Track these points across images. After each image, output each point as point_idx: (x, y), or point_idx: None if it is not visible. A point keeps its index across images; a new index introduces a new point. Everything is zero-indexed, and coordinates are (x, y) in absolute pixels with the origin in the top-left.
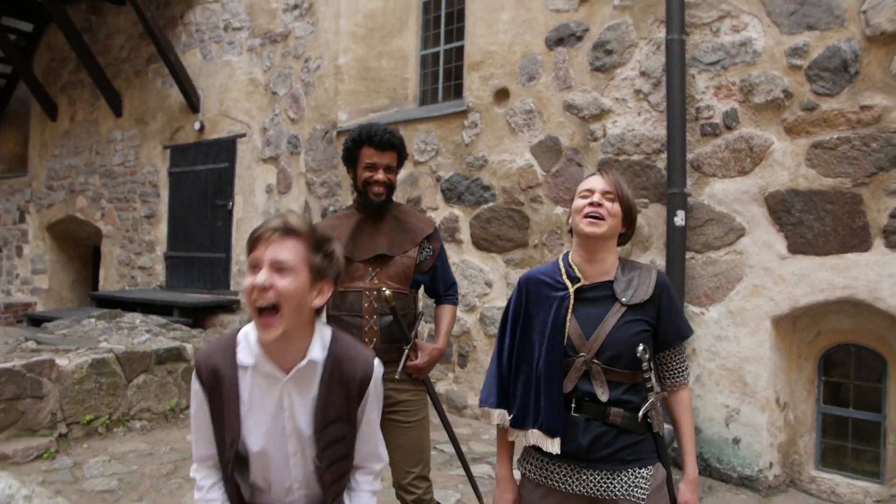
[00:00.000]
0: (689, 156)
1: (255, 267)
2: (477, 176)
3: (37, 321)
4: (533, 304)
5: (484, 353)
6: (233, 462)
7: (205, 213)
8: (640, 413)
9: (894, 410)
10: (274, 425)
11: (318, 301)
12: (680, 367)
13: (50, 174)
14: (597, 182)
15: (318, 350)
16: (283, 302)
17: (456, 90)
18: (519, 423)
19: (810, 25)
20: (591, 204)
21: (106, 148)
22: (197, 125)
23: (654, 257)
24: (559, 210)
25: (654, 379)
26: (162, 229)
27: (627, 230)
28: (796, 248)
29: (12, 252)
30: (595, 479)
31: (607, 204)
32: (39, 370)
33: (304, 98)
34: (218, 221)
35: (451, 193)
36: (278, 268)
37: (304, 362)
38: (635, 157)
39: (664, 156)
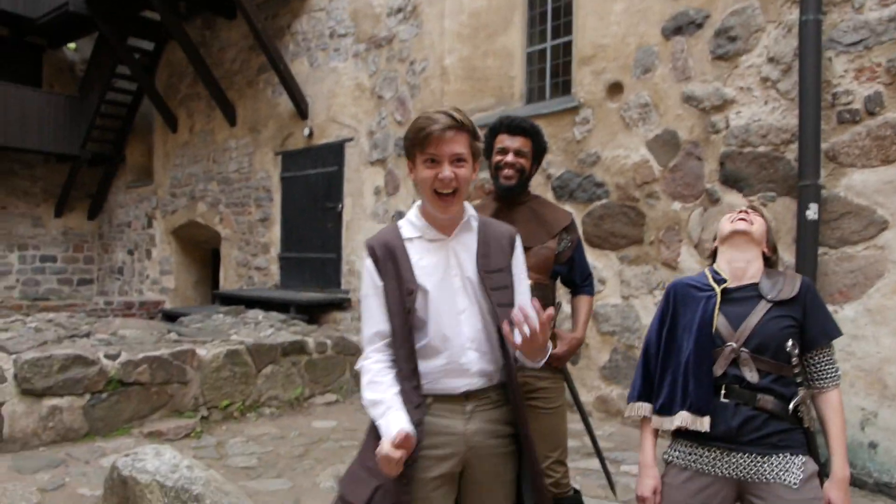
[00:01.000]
0: (824, 145)
1: (433, 161)
2: (589, 173)
3: (170, 317)
4: (680, 305)
5: (596, 350)
6: (413, 316)
7: (315, 215)
8: (791, 405)
9: None
10: (444, 281)
11: (474, 177)
12: (829, 369)
13: (172, 182)
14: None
15: (472, 210)
16: (461, 186)
17: (563, 87)
18: (666, 410)
19: None
20: (739, 212)
21: (222, 156)
22: (306, 131)
23: (782, 253)
24: (677, 206)
25: (802, 376)
26: (275, 232)
27: (772, 255)
28: None
29: (143, 255)
30: (745, 461)
31: (753, 215)
32: (183, 359)
33: (409, 100)
34: (328, 223)
35: (563, 191)
36: (457, 160)
37: (465, 219)
38: (761, 149)
39: (794, 146)
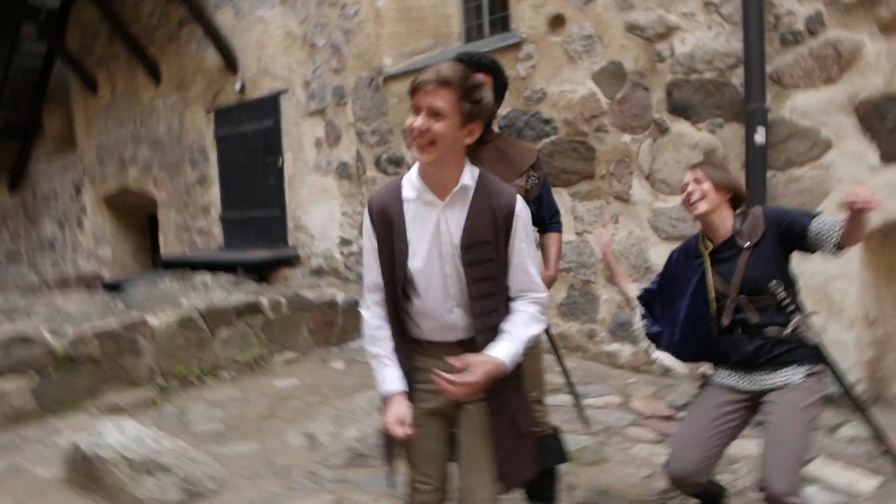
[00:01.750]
0: (768, 68)
1: (416, 110)
2: (536, 110)
3: (112, 288)
4: (679, 268)
5: (553, 287)
6: (402, 279)
7: (255, 172)
8: (788, 330)
9: None
10: (433, 247)
11: (469, 140)
12: (831, 226)
13: (99, 148)
14: (687, 175)
15: (468, 178)
16: (438, 140)
17: (503, 24)
18: (656, 341)
19: None
20: (686, 193)
21: (150, 117)
22: (238, 85)
23: None
24: (627, 138)
25: (796, 303)
26: (214, 192)
27: (735, 195)
28: (891, 156)
29: (74, 226)
30: (761, 376)
31: (700, 186)
32: (134, 329)
33: (344, 46)
34: (269, 179)
35: (510, 130)
36: (433, 113)
37: (458, 186)
38: (707, 76)
39: (739, 71)
